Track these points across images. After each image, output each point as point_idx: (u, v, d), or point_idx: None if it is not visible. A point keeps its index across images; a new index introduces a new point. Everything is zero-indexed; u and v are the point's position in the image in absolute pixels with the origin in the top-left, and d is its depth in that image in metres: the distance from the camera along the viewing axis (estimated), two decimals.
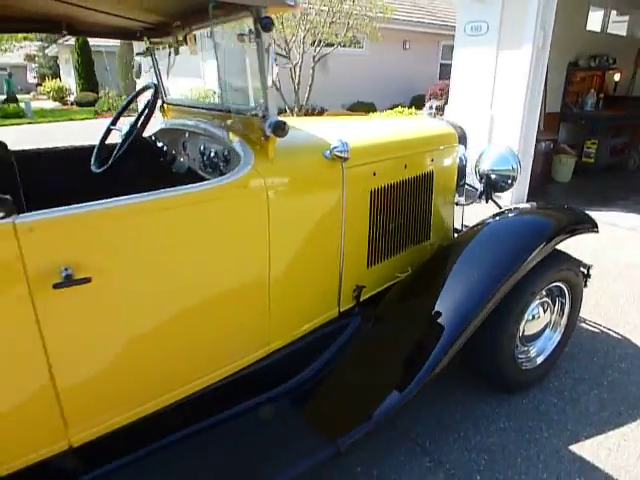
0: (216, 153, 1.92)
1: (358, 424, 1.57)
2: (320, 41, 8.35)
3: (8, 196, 1.07)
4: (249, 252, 1.52)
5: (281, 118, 1.40)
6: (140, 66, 2.45)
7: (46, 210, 1.11)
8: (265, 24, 1.29)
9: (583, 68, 6.69)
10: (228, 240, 1.46)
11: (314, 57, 8.59)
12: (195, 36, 1.90)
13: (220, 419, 1.60)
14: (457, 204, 2.55)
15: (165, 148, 2.15)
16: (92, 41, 21.46)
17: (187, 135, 2.23)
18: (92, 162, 2.08)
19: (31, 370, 1.19)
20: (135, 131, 1.95)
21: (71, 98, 21.70)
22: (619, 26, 7.53)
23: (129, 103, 2.23)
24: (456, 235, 2.58)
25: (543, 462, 1.87)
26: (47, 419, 1.26)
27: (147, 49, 2.28)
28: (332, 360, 1.83)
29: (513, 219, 2.19)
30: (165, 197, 1.29)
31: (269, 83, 1.33)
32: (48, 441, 1.28)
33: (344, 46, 9.20)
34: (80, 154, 2.20)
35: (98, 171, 1.99)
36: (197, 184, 1.35)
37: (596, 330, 2.79)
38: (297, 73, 8.52)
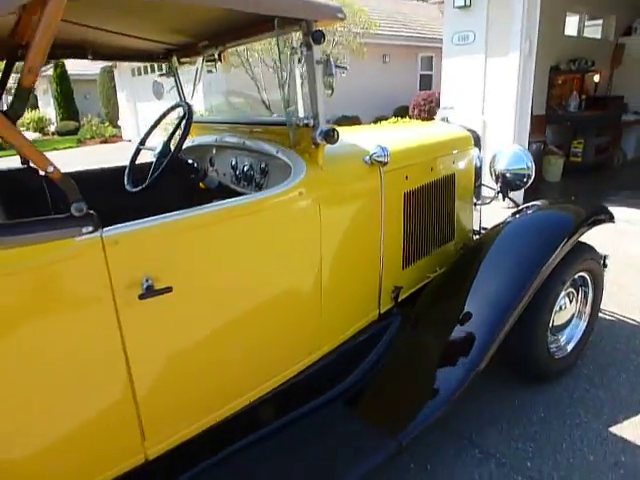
0: (251, 166, 1.98)
1: (415, 419, 1.62)
2: None
3: (92, 211, 1.10)
4: (305, 257, 1.57)
5: (330, 126, 1.47)
6: (162, 86, 2.50)
7: (128, 223, 1.15)
8: (316, 37, 1.36)
9: (564, 71, 6.93)
10: (286, 245, 1.51)
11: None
12: (226, 54, 1.96)
13: (282, 423, 1.63)
14: (475, 204, 2.63)
15: (195, 165, 2.20)
16: (70, 69, 21.47)
17: (214, 151, 2.28)
18: (125, 182, 2.11)
19: (113, 381, 1.21)
20: (171, 150, 2.00)
21: (52, 128, 21.57)
22: (594, 30, 7.83)
23: (158, 122, 2.27)
24: (476, 236, 2.66)
25: (587, 445, 1.92)
26: (125, 432, 1.28)
27: (170, 69, 2.33)
28: (379, 360, 1.88)
29: (537, 215, 2.28)
30: (230, 206, 1.34)
31: (329, 92, 1.39)
32: (125, 455, 1.30)
33: None
34: (110, 175, 2.24)
35: (134, 190, 2.02)
36: (258, 193, 1.41)
37: (613, 319, 2.88)
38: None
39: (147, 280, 1.16)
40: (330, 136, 1.47)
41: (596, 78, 7.36)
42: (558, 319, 2.27)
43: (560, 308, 2.26)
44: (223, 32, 1.78)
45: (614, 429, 2.01)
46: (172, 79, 2.37)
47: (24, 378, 1.06)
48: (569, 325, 2.36)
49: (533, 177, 2.57)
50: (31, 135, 20.71)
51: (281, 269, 1.51)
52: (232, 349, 1.44)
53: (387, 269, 1.97)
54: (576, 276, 2.28)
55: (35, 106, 27.71)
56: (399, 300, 2.08)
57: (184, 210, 1.26)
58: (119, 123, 16.69)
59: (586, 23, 7.71)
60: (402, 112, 12.50)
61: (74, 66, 22.08)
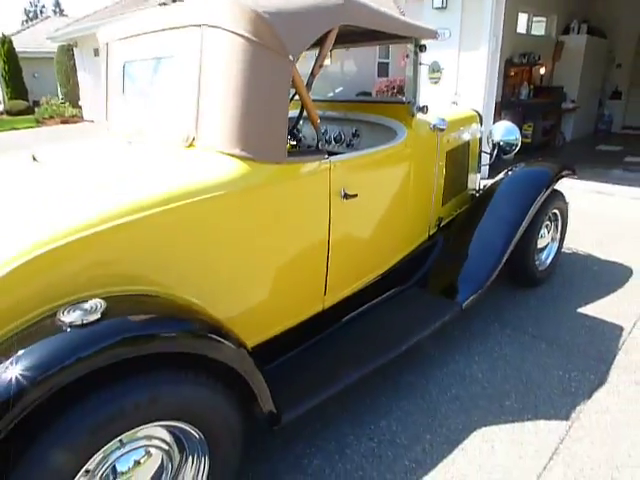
0: (340, 133, 2.82)
1: (467, 292, 2.55)
2: None
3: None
4: (406, 187, 2.46)
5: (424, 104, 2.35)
6: None
7: (338, 156, 1.98)
8: (422, 48, 2.23)
9: (516, 64, 8.10)
10: (397, 177, 2.38)
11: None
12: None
13: (382, 299, 2.51)
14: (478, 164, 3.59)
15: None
16: (18, 47, 20.66)
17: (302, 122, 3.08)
18: None
19: (319, 252, 2.04)
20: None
21: None
22: (539, 26, 9.06)
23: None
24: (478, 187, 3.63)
25: (568, 320, 2.94)
26: (317, 289, 2.12)
27: None
28: (434, 261, 2.80)
29: (526, 170, 3.26)
30: (372, 152, 2.19)
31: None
32: (314, 304, 2.14)
33: None
34: None
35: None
36: (390, 142, 2.27)
37: (568, 251, 3.96)
38: None
39: (344, 190, 1.99)
40: (423, 109, 2.35)
41: (542, 70, 8.61)
42: (540, 243, 3.28)
43: (541, 235, 3.27)
44: (359, 37, 2.55)
45: (581, 310, 3.05)
46: None
47: (271, 244, 1.82)
48: (546, 247, 3.39)
49: (519, 145, 3.55)
50: None
51: (398, 195, 2.40)
52: (381, 238, 2.31)
53: (435, 205, 2.89)
54: (551, 212, 3.30)
55: None
56: (440, 226, 3.01)
57: (363, 150, 2.11)
58: (80, 103, 16.51)
59: (533, 20, 8.92)
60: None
61: (20, 43, 21.25)
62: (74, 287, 1.33)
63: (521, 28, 8.44)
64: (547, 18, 8.94)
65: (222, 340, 1.42)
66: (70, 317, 1.21)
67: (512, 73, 8.14)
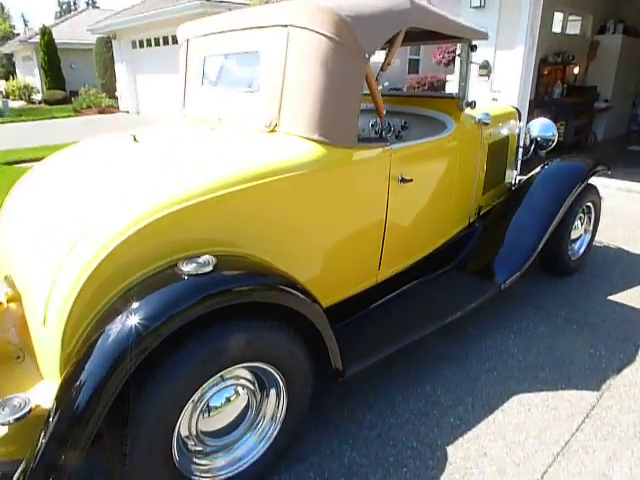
0: (390, 124, 3.03)
1: (506, 274, 2.75)
2: None
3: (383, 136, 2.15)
4: (452, 177, 2.67)
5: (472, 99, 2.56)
6: None
7: (398, 143, 2.20)
8: (473, 47, 2.43)
9: (550, 63, 8.17)
10: (445, 167, 2.60)
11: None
12: None
13: (425, 280, 2.73)
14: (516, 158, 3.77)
15: None
16: (57, 38, 21.35)
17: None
18: None
19: (377, 230, 2.27)
20: None
21: (37, 97, 21.52)
22: (573, 26, 9.09)
23: None
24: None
25: (598, 306, 3.12)
26: (373, 263, 2.35)
27: None
28: (474, 246, 3.00)
29: (562, 165, 3.42)
30: (426, 141, 2.41)
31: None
32: (370, 277, 2.37)
33: None
34: None
35: None
36: (439, 134, 2.48)
37: (600, 245, 4.11)
38: None
39: (401, 174, 2.22)
40: (472, 104, 2.56)
41: (576, 70, 8.65)
42: (574, 234, 3.45)
43: (574, 227, 3.44)
44: (419, 37, 2.76)
45: (611, 297, 3.22)
46: None
47: (337, 219, 2.05)
48: (579, 238, 3.56)
49: (556, 141, 3.72)
50: (17, 103, 20.67)
51: (446, 181, 2.62)
52: (430, 221, 2.56)
53: (476, 193, 3.09)
54: (585, 205, 3.47)
55: (11, 73, 27.22)
56: (480, 215, 3.21)
57: (418, 140, 2.33)
58: (117, 94, 17.03)
59: (568, 20, 8.95)
60: None
61: (59, 35, 21.97)
62: (185, 245, 1.59)
63: (556, 27, 8.49)
64: (583, 17, 8.95)
65: (303, 296, 1.67)
66: (188, 268, 1.47)
67: (546, 72, 8.21)
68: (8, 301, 1.74)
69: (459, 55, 2.61)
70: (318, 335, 1.75)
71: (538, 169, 3.42)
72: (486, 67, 6.42)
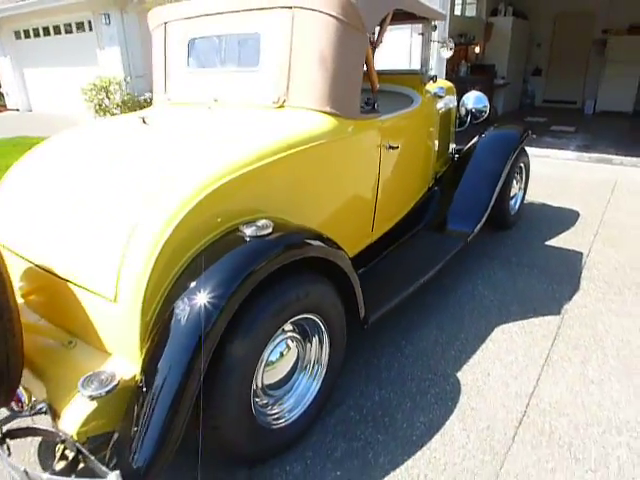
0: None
1: (468, 228, 3.13)
2: None
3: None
4: (422, 143, 2.97)
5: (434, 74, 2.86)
6: None
7: (385, 115, 2.44)
8: (434, 28, 2.73)
9: (455, 44, 8.85)
10: (419, 136, 2.89)
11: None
12: None
13: (404, 240, 3.03)
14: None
15: None
16: None
17: None
18: None
19: (370, 193, 2.50)
20: None
21: None
22: (471, 8, 9.91)
23: None
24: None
25: (540, 251, 3.63)
26: (368, 225, 2.59)
27: None
28: (437, 207, 3.35)
29: (500, 132, 3.89)
30: (404, 112, 2.68)
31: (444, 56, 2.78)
32: (366, 237, 2.61)
33: None
34: None
35: None
36: (409, 107, 2.76)
37: (526, 202, 4.71)
38: None
39: (388, 143, 2.47)
40: (434, 78, 2.87)
41: (477, 49, 9.47)
42: (511, 192, 3.96)
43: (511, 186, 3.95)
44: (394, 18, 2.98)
45: (547, 242, 3.76)
46: None
47: (344, 184, 2.27)
48: (515, 196, 4.07)
49: (488, 112, 4.19)
50: None
51: (418, 147, 2.91)
52: (406, 185, 2.83)
53: (433, 159, 3.44)
54: (518, 166, 3.97)
55: None
56: (435, 179, 3.58)
57: (399, 111, 2.58)
58: (2, 90, 15.47)
59: (467, 3, 9.74)
60: None
61: None
62: (235, 213, 1.71)
63: (457, 11, 9.21)
64: (477, 1, 9.79)
65: (339, 251, 1.86)
66: (249, 231, 1.60)
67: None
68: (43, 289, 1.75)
69: (421, 34, 2.90)
70: (349, 286, 1.95)
71: (476, 138, 3.86)
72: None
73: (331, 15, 1.96)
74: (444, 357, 2.43)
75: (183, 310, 1.45)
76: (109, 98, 10.56)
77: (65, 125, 11.72)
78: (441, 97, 3.19)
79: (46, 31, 13.32)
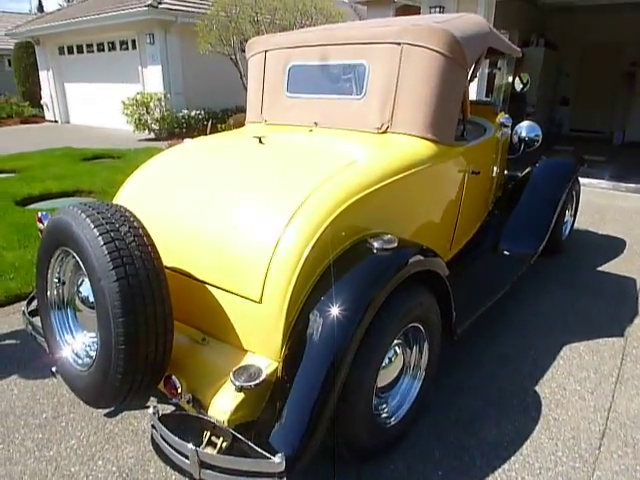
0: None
1: (529, 248, 3.28)
2: None
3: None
4: (491, 169, 3.16)
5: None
6: None
7: (468, 143, 2.63)
8: (510, 62, 2.94)
9: (493, 74, 9.12)
10: (491, 162, 3.08)
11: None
12: None
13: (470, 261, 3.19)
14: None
15: None
16: None
17: None
18: None
19: (454, 214, 2.68)
20: None
21: None
22: None
23: None
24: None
25: (592, 276, 3.77)
26: (448, 244, 2.76)
27: None
28: (499, 229, 3.51)
29: (555, 161, 4.06)
30: (483, 140, 2.87)
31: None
32: (446, 254, 2.77)
33: None
34: None
35: None
36: (482, 136, 2.95)
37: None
38: None
39: (472, 168, 2.65)
40: (504, 110, 3.06)
41: (509, 79, 9.70)
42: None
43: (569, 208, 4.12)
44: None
45: (594, 261, 3.90)
46: None
47: (437, 204, 2.47)
48: (567, 221, 4.23)
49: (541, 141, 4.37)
50: None
51: (488, 172, 3.10)
52: (477, 207, 3.02)
53: (496, 184, 3.62)
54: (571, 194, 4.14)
55: None
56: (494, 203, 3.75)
57: (479, 139, 2.77)
58: (42, 102, 16.01)
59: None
60: None
61: None
62: (358, 228, 1.89)
63: None
64: (510, 32, 10.07)
65: (440, 263, 2.03)
66: (377, 244, 1.78)
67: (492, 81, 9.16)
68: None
69: (499, 68, 3.12)
70: (445, 297, 2.10)
71: (530, 167, 4.03)
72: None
73: (439, 52, 2.17)
74: (519, 371, 2.56)
75: (325, 314, 1.61)
76: (148, 113, 10.95)
77: (104, 137, 12.03)
78: (507, 127, 3.38)
79: (89, 48, 13.85)
